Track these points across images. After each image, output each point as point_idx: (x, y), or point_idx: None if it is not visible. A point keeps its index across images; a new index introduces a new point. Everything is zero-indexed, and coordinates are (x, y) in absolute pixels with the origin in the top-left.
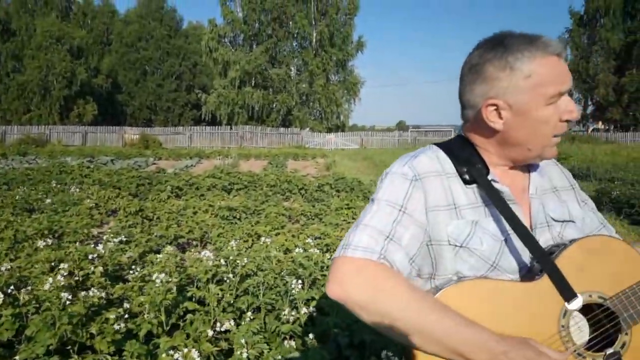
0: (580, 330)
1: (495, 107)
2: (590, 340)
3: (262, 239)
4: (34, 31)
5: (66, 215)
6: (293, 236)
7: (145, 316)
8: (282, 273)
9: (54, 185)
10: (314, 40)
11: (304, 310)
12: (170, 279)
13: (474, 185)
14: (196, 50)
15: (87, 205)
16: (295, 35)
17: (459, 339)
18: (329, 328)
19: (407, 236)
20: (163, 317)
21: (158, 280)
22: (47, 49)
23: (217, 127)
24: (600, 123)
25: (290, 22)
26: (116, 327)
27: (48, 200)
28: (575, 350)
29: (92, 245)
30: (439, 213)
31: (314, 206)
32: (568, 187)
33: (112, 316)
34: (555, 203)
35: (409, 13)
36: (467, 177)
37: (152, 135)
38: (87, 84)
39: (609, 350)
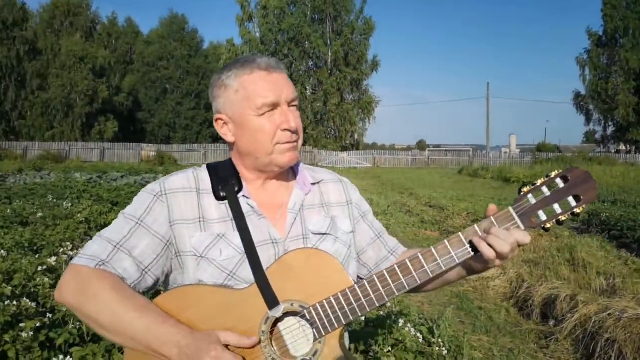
0: (296, 337)
1: (223, 122)
2: (293, 347)
3: None
4: (59, 51)
5: (55, 229)
6: None
7: (71, 326)
8: None
9: (50, 199)
10: (329, 60)
11: None
12: None
13: (226, 201)
14: (215, 70)
15: (78, 219)
16: (311, 55)
17: (151, 336)
18: None
19: (141, 247)
20: (85, 327)
21: None
22: (71, 68)
23: None
24: (622, 144)
25: (306, 42)
26: (25, 335)
27: (40, 214)
28: (270, 355)
29: (66, 258)
30: (184, 226)
31: None
32: (343, 203)
33: (30, 325)
34: (319, 217)
35: (425, 32)
36: (219, 194)
37: (168, 152)
38: (108, 102)
39: (300, 357)
